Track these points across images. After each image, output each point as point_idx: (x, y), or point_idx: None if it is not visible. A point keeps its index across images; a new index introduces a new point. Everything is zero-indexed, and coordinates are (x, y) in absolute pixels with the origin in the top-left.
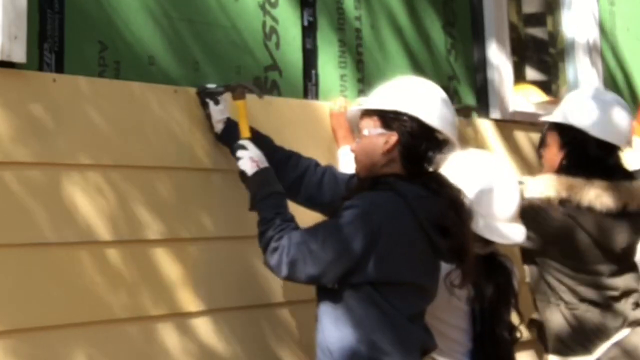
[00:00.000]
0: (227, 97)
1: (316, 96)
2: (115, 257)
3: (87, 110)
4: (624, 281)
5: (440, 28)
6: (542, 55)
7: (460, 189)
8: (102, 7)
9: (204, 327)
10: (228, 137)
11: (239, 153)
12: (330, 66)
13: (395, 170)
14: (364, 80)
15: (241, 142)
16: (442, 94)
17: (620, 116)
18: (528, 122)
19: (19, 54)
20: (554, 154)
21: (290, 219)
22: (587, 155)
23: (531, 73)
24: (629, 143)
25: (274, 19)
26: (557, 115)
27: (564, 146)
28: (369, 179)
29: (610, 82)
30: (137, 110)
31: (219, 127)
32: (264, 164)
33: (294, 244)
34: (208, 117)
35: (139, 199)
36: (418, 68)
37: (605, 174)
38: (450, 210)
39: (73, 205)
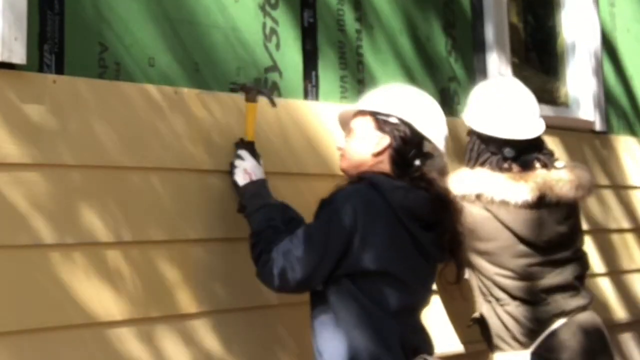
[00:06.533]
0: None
1: (316, 97)
2: (114, 259)
3: (87, 111)
4: (557, 275)
5: (441, 29)
6: (542, 57)
7: (448, 186)
8: (102, 8)
9: (204, 329)
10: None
11: (236, 162)
12: (330, 67)
13: (383, 170)
14: (365, 81)
15: (239, 151)
16: (436, 106)
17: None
18: None
19: (19, 55)
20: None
21: (280, 231)
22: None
23: (531, 74)
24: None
25: (274, 20)
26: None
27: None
28: (354, 177)
29: (610, 84)
30: (137, 112)
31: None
32: (258, 176)
33: (280, 255)
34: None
35: (138, 200)
36: (418, 69)
37: (519, 166)
38: (435, 204)
39: (72, 206)
